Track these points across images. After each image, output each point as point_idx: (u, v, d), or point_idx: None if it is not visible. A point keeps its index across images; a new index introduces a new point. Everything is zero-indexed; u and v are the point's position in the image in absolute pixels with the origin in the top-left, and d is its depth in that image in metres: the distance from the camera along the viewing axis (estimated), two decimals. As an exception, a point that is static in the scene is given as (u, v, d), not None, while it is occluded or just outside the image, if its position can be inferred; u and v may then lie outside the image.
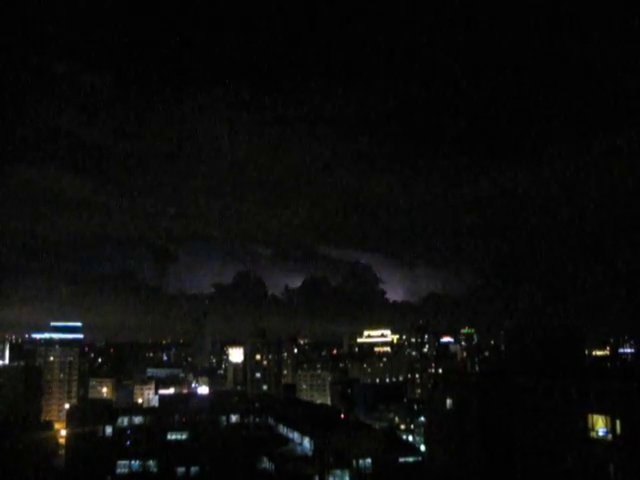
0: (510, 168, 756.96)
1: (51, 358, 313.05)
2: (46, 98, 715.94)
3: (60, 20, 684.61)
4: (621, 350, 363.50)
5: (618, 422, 74.84)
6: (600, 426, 77.88)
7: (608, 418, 76.57)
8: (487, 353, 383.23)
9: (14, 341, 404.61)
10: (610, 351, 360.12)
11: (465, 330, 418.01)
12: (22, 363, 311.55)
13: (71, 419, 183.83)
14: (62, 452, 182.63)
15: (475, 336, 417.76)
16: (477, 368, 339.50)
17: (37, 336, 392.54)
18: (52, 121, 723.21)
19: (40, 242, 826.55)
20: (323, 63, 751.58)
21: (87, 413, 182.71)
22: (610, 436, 76.16)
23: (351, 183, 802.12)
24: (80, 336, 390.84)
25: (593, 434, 78.49)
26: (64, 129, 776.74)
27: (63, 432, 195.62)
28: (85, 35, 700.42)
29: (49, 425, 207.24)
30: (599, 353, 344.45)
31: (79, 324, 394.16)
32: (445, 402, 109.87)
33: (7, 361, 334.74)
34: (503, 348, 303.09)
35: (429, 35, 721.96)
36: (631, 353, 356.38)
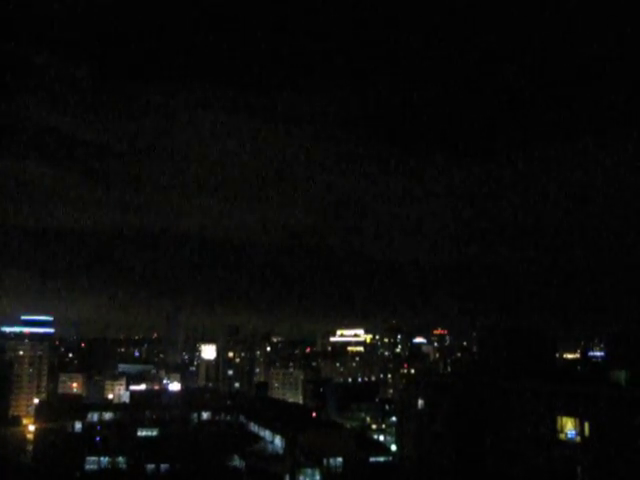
0: (492, 167, 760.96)
1: (21, 352, 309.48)
2: (22, 89, 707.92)
3: (36, 11, 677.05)
4: (591, 353, 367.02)
5: (587, 424, 75.64)
6: (569, 428, 78.67)
7: (577, 420, 77.37)
8: (459, 354, 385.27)
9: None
10: (580, 354, 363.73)
11: (438, 331, 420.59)
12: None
13: (40, 414, 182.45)
14: (30, 447, 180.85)
15: (447, 337, 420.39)
16: (449, 369, 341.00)
17: (7, 330, 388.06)
18: (29, 113, 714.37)
19: (11, 235, 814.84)
20: (304, 62, 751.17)
21: (56, 408, 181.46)
22: (579, 438, 76.96)
23: (333, 183, 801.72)
24: (51, 330, 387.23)
25: (562, 436, 79.27)
26: (39, 120, 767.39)
27: (31, 427, 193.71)
28: (63, 26, 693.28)
29: (17, 420, 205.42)
30: (569, 356, 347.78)
31: (50, 318, 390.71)
32: (417, 402, 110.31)
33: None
34: (475, 349, 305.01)
35: (412, 32, 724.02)
36: (601, 356, 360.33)
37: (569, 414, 78.63)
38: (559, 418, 79.81)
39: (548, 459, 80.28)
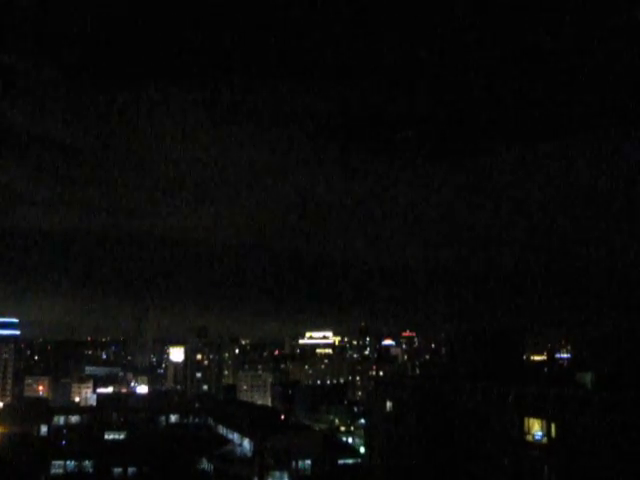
0: (458, 169, 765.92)
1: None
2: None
3: (7, 11, 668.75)
4: (558, 355, 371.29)
5: (553, 426, 76.46)
6: (536, 430, 79.45)
7: (544, 422, 78.16)
8: (427, 356, 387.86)
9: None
10: (547, 356, 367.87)
11: (406, 333, 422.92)
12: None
13: (5, 418, 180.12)
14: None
15: (416, 339, 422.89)
16: (417, 371, 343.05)
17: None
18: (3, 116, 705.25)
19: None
20: (287, 62, 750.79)
21: (22, 412, 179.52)
22: (545, 439, 77.75)
23: (303, 185, 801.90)
24: (17, 332, 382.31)
25: (529, 437, 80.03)
26: (11, 123, 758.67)
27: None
28: (32, 26, 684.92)
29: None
30: (537, 358, 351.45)
31: (15, 320, 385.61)
32: (385, 405, 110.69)
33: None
34: (443, 351, 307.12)
35: (397, 28, 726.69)
36: (567, 358, 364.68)
37: (536, 415, 79.41)
38: (526, 419, 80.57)
39: (515, 461, 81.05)
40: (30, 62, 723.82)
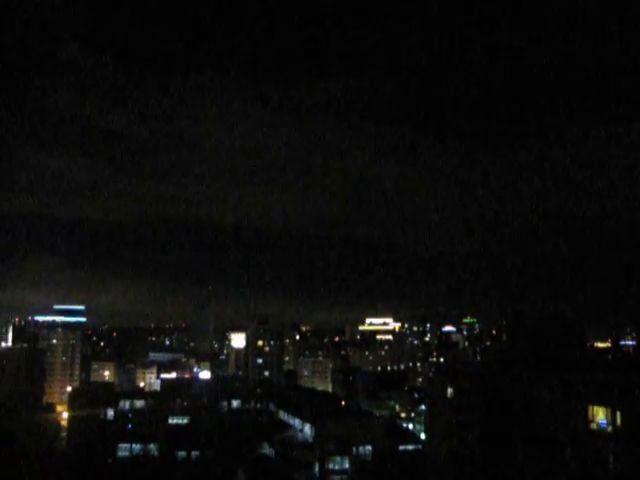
0: (520, 152, 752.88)
1: (54, 341, 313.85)
2: (52, 83, 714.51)
3: (66, 5, 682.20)
4: (623, 342, 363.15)
5: (618, 414, 74.98)
6: (600, 418, 78.05)
7: (608, 410, 76.71)
8: (489, 342, 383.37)
9: (17, 324, 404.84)
10: (612, 343, 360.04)
11: (467, 319, 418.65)
12: (25, 345, 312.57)
13: (73, 402, 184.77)
14: (64, 434, 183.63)
15: (477, 325, 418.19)
16: (478, 357, 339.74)
17: (40, 319, 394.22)
18: (58, 106, 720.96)
19: (44, 225, 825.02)
20: (325, 49, 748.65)
21: (89, 396, 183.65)
22: (610, 427, 76.34)
23: (362, 172, 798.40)
24: (83, 319, 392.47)
25: (593, 425, 78.68)
26: (70, 113, 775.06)
27: (65, 414, 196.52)
28: (89, 19, 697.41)
29: (51, 407, 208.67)
30: (601, 345, 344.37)
31: (82, 307, 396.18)
32: (446, 391, 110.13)
33: (10, 343, 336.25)
34: (505, 338, 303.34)
35: (432, 21, 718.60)
36: (633, 345, 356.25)
37: (600, 403, 77.97)
38: (590, 407, 79.18)
39: (579, 449, 79.76)
40: (90, 54, 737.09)
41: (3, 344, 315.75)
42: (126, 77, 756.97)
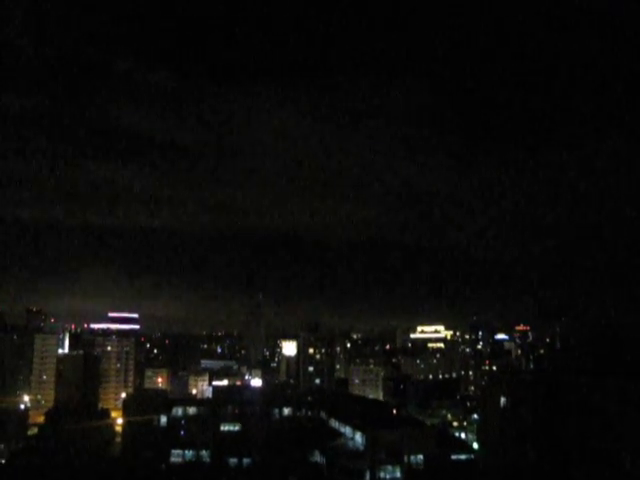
0: (572, 155, 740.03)
1: (109, 348, 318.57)
2: (108, 95, 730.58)
3: (120, 19, 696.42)
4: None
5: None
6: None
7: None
8: (542, 351, 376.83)
9: (73, 331, 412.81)
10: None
11: (520, 327, 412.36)
12: (81, 352, 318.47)
13: (127, 408, 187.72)
14: (118, 439, 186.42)
15: (530, 333, 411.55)
16: (532, 366, 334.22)
17: (95, 326, 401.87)
18: (115, 118, 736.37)
19: (99, 235, 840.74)
20: (369, 56, 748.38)
21: (143, 402, 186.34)
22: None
23: (412, 178, 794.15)
24: (137, 327, 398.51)
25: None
26: (126, 125, 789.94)
27: (119, 420, 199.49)
28: (143, 33, 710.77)
29: (106, 413, 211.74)
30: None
31: (136, 315, 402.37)
32: (499, 400, 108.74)
33: (67, 350, 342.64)
34: (559, 346, 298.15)
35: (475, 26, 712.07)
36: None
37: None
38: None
39: (638, 459, 77.89)
40: (144, 66, 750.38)
41: (60, 351, 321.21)
42: (179, 89, 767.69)
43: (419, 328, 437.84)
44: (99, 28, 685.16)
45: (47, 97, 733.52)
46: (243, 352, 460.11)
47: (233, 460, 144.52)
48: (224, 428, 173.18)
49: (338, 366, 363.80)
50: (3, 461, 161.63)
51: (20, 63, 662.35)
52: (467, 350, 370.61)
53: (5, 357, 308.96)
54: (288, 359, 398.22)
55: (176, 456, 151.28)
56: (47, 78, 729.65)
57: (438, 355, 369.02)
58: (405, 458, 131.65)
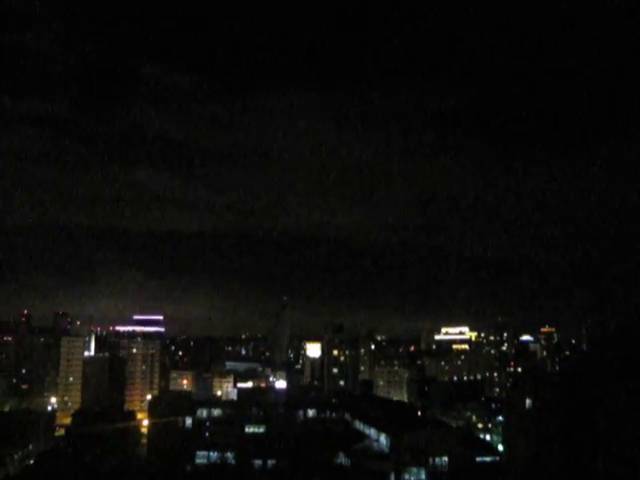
0: (599, 158, 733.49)
1: (134, 350, 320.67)
2: (136, 99, 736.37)
3: (147, 24, 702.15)
4: None
5: None
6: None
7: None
8: (568, 352, 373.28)
9: (99, 333, 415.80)
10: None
11: (545, 328, 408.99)
12: (107, 354, 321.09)
13: (153, 409, 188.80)
14: (144, 441, 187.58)
15: (555, 335, 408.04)
16: (557, 368, 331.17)
17: (121, 329, 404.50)
18: (141, 122, 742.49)
19: (125, 238, 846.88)
20: (384, 59, 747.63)
21: (168, 404, 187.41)
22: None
23: (438, 181, 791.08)
24: (162, 329, 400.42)
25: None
26: (151, 129, 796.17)
27: (145, 422, 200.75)
28: (169, 38, 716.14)
29: (132, 415, 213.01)
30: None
31: (161, 317, 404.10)
32: (524, 402, 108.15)
33: (93, 352, 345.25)
34: (585, 348, 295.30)
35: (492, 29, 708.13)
36: None
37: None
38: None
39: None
40: (170, 71, 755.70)
41: (86, 353, 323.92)
42: (203, 93, 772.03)
43: (443, 329, 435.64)
44: (126, 33, 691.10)
45: (74, 102, 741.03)
46: (267, 354, 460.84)
47: (258, 462, 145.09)
48: (249, 430, 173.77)
49: (362, 368, 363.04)
50: (31, 462, 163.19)
51: (48, 69, 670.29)
52: (492, 351, 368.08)
53: (32, 359, 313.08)
54: (312, 361, 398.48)
55: (201, 458, 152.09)
56: (74, 83, 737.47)
57: (463, 356, 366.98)
58: (430, 460, 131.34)
